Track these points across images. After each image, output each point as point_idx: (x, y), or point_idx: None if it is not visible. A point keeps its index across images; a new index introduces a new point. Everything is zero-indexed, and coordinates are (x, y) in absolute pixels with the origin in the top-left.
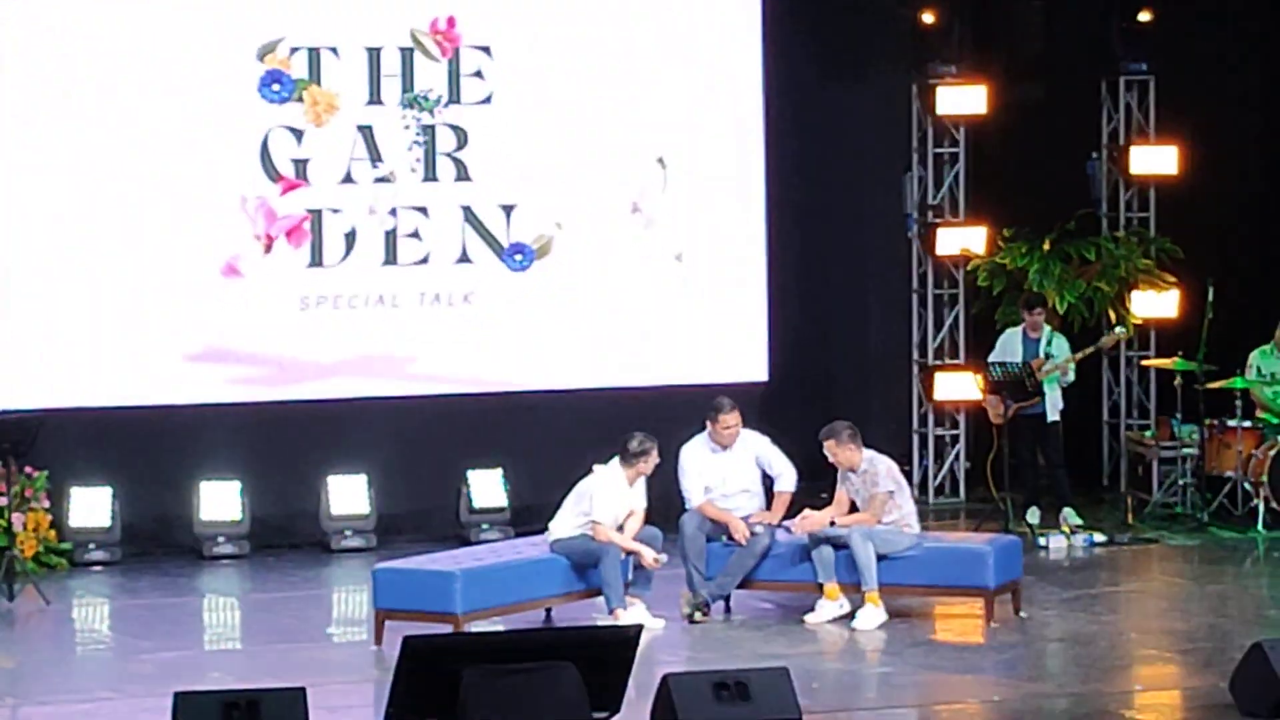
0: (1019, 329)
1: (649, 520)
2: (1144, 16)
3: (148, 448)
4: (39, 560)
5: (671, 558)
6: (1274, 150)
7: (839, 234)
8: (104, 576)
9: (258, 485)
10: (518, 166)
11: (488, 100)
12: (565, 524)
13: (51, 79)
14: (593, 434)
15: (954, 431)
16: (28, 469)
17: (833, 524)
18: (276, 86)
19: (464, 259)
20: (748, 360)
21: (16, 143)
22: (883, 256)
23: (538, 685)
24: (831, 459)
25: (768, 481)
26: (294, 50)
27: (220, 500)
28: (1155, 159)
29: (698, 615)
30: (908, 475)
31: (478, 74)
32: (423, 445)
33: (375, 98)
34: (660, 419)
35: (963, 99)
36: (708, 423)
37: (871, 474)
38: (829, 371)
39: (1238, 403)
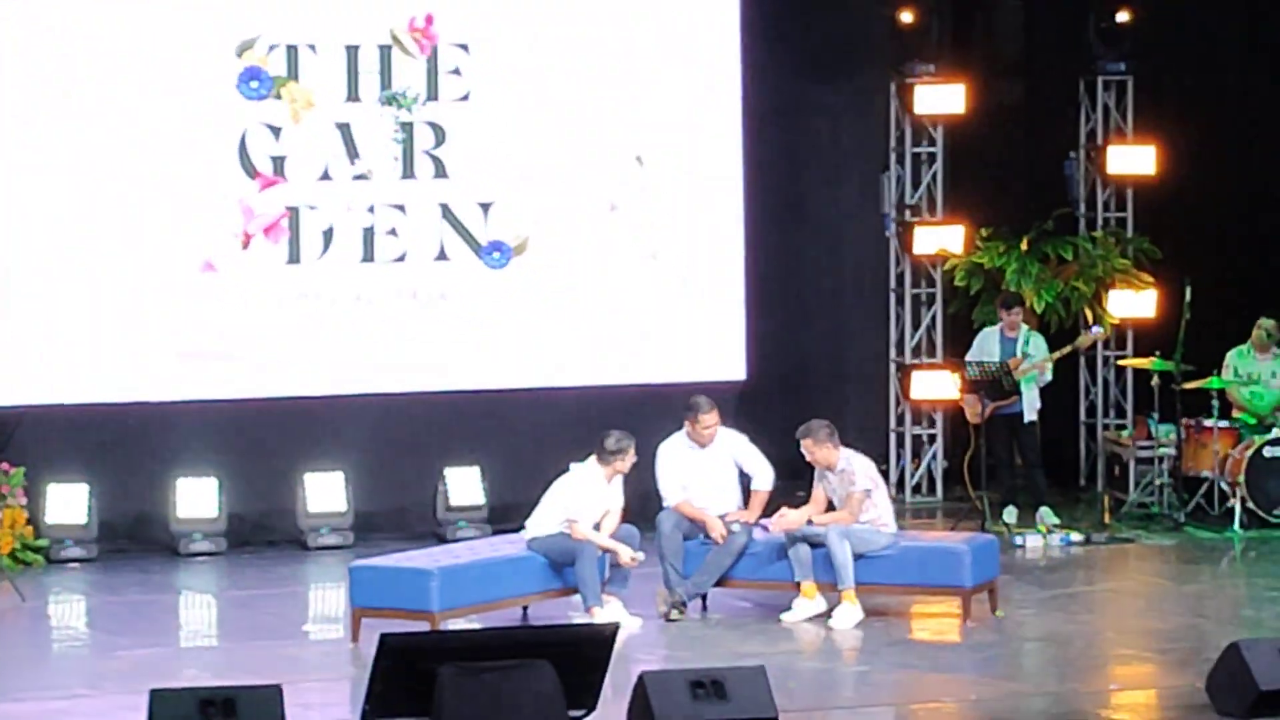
0: (996, 328)
1: (626, 518)
2: (1122, 17)
3: (125, 444)
4: (15, 557)
5: (649, 556)
6: (1251, 150)
7: (817, 233)
8: (80, 573)
9: (235, 482)
10: (496, 164)
11: (466, 98)
12: (542, 522)
13: (15, 76)
14: (570, 432)
15: (931, 431)
16: (4, 465)
17: (810, 523)
18: (255, 83)
19: (442, 256)
20: (725, 359)
21: None
22: (860, 255)
23: (514, 683)
24: (809, 458)
25: (745, 480)
26: (272, 47)
27: (197, 497)
28: (1133, 159)
29: (674, 613)
30: (885, 474)
31: (456, 71)
32: (400, 443)
33: (354, 95)
34: (638, 417)
35: (941, 98)
36: (686, 422)
37: (849, 473)
38: (807, 370)
39: (1214, 403)
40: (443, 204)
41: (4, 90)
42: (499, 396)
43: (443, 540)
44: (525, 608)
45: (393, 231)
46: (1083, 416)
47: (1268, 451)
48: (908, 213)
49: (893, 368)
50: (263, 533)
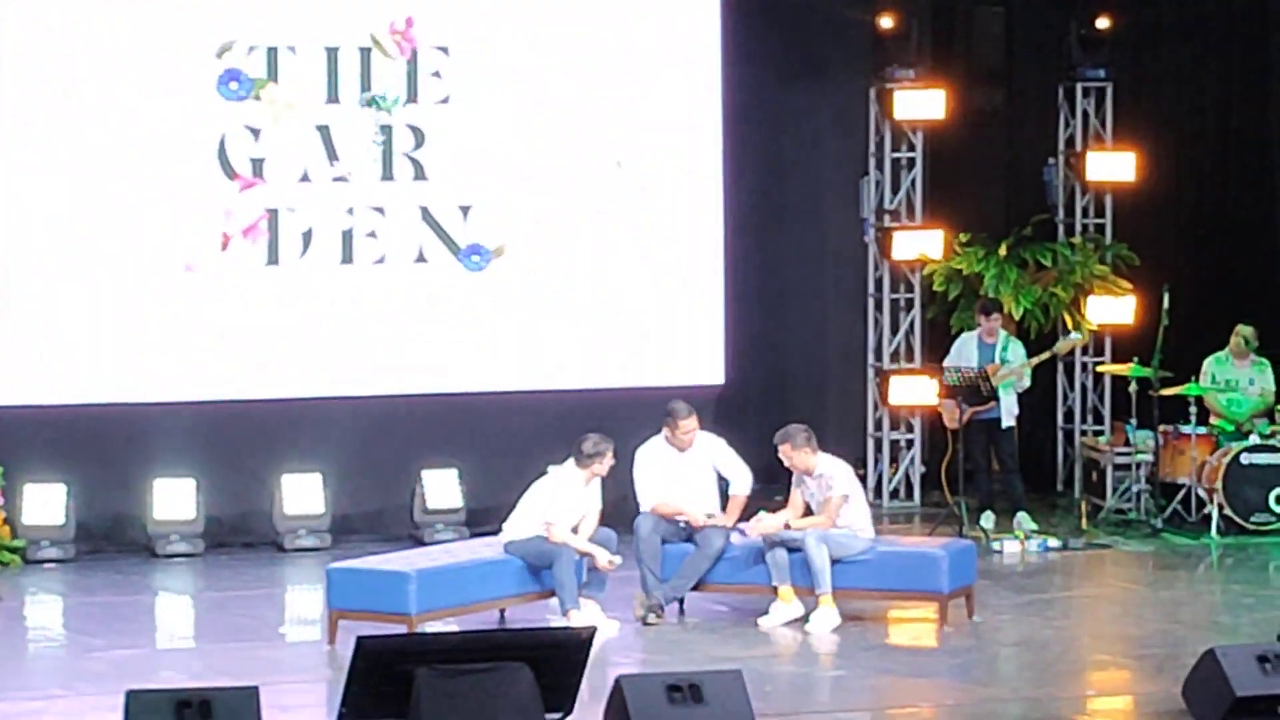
0: (975, 334)
1: (604, 522)
2: (1102, 23)
3: (102, 445)
4: None
5: (626, 560)
6: (1230, 157)
7: (796, 237)
8: (57, 574)
9: (212, 484)
10: (475, 167)
11: (446, 101)
12: (520, 525)
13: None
14: (548, 435)
15: (909, 435)
16: None
17: (787, 527)
18: (234, 85)
19: (421, 259)
20: (704, 363)
21: None
22: (839, 260)
23: (491, 686)
24: (787, 462)
25: (723, 484)
26: (252, 49)
27: (174, 498)
28: (1112, 165)
29: (651, 617)
30: (862, 479)
31: (436, 74)
32: (378, 445)
33: (333, 97)
34: (616, 421)
35: (920, 103)
36: (665, 427)
37: (826, 478)
38: (785, 374)
39: (1192, 409)
40: (422, 207)
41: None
42: (477, 399)
43: (420, 543)
44: (502, 611)
45: (372, 234)
46: (1061, 422)
47: (1245, 458)
48: (887, 218)
49: (871, 372)
50: (240, 534)
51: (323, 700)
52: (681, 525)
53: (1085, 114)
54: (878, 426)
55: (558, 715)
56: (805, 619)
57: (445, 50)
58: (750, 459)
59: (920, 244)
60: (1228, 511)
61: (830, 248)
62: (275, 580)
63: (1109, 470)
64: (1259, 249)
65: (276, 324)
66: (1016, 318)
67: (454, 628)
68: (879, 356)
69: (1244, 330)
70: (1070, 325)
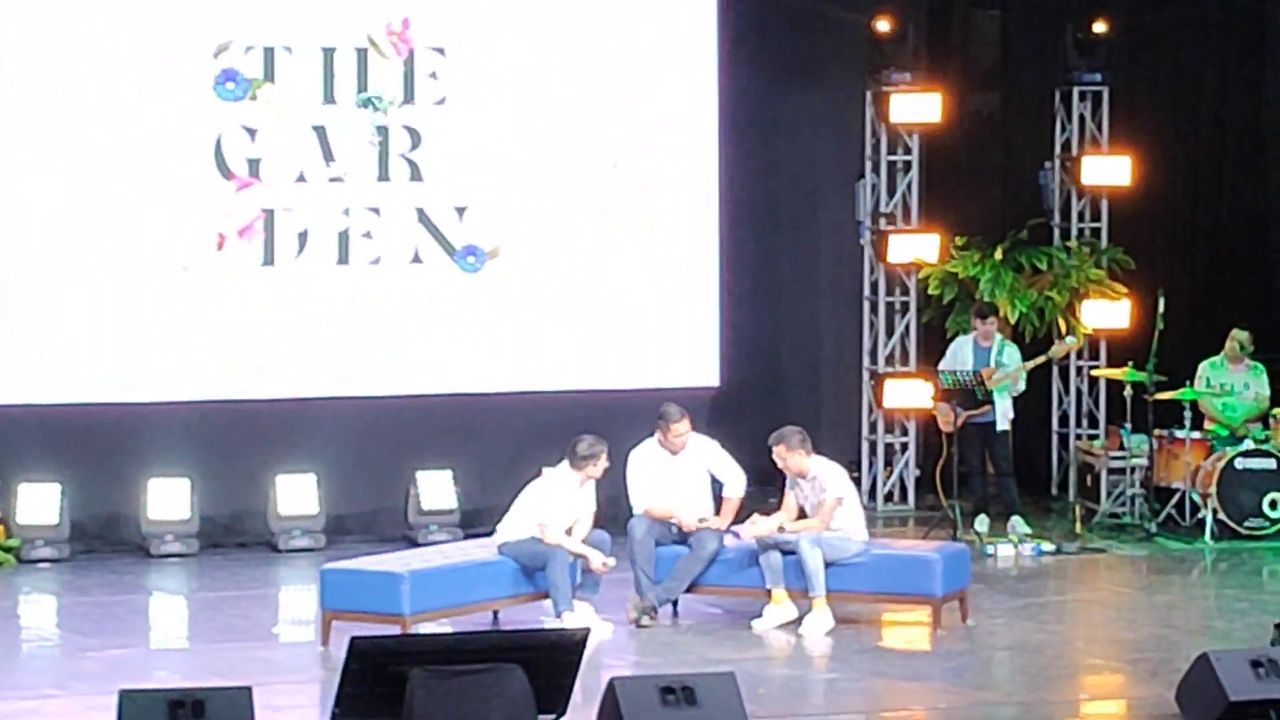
0: (970, 337)
1: (598, 524)
2: (1099, 28)
3: (97, 445)
4: None
5: (620, 561)
6: (1226, 161)
7: (792, 240)
8: (51, 573)
9: (206, 484)
10: (471, 168)
11: (442, 102)
12: (514, 526)
13: None
14: (543, 437)
15: (904, 439)
16: None
17: (781, 530)
18: (231, 85)
19: (416, 260)
20: (699, 365)
21: None
22: (835, 263)
23: (484, 687)
24: (780, 464)
25: (717, 487)
26: (248, 49)
27: (169, 498)
28: (1108, 169)
29: (645, 619)
30: (857, 482)
31: (432, 75)
32: (372, 446)
33: (330, 97)
34: (611, 423)
35: (917, 107)
36: (658, 430)
37: (820, 480)
38: (780, 377)
39: (1187, 414)
40: (418, 208)
41: None
42: (472, 400)
43: (414, 544)
44: (496, 612)
45: (368, 234)
46: (1055, 426)
47: (1239, 463)
48: (883, 221)
49: (866, 375)
50: (234, 534)
51: (316, 701)
52: (673, 529)
53: (1081, 118)
54: (872, 429)
55: (551, 717)
56: (799, 622)
57: (442, 51)
58: (744, 461)
59: (916, 247)
60: (1222, 516)
61: (826, 250)
62: (269, 580)
63: (1103, 474)
64: (1254, 254)
65: (272, 324)
66: (1012, 321)
67: (448, 629)
68: (874, 359)
69: (1239, 335)
70: (1065, 329)
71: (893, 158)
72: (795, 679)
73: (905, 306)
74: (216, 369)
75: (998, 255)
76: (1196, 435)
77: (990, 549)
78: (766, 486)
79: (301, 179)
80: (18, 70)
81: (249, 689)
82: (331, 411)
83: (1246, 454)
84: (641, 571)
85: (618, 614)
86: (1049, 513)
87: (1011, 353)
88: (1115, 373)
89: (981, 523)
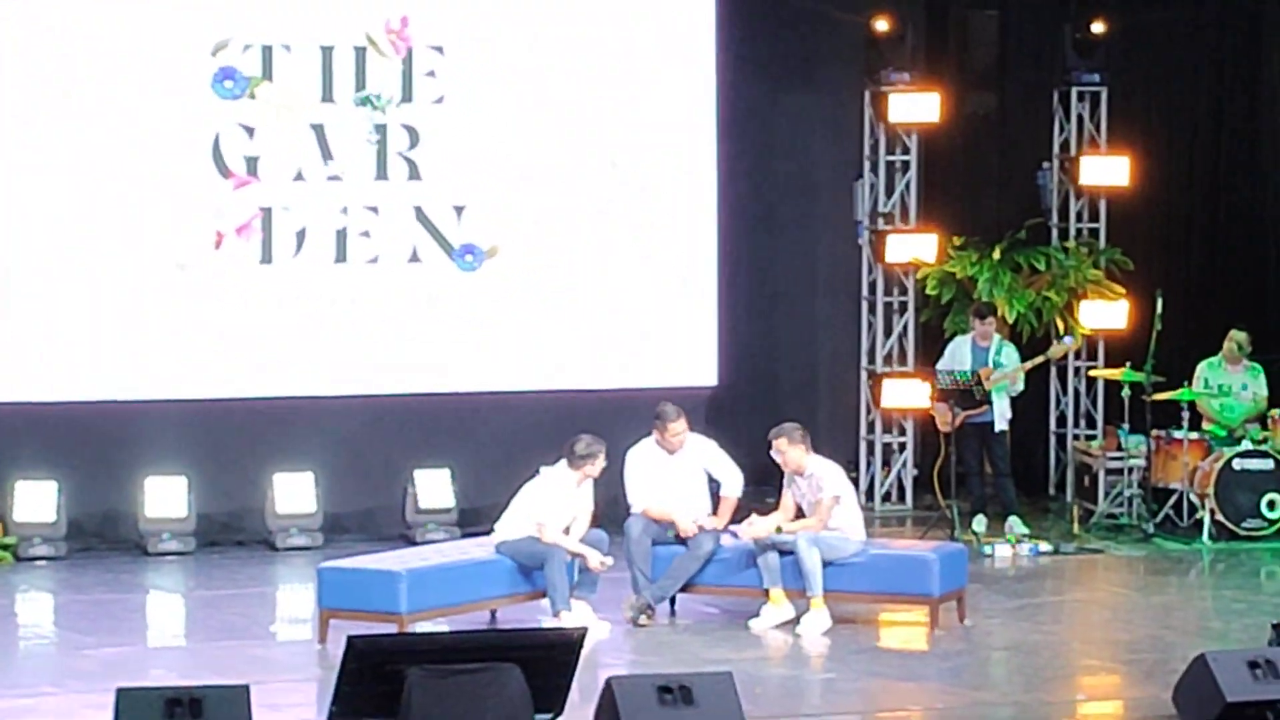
0: (968, 337)
1: (595, 523)
2: (1097, 28)
3: (94, 443)
4: None
5: (617, 561)
6: (1224, 162)
7: (790, 240)
8: (48, 571)
9: (204, 482)
10: (469, 167)
11: (441, 100)
12: (512, 525)
13: None
14: (540, 436)
15: (901, 439)
16: None
17: (779, 529)
18: (229, 83)
19: (414, 259)
20: (697, 365)
21: None
22: (833, 263)
23: (481, 686)
24: (779, 459)
25: (714, 486)
26: (247, 47)
27: (166, 496)
28: (1106, 170)
29: (642, 619)
30: (855, 481)
31: (431, 74)
32: (370, 444)
33: (328, 96)
34: (608, 422)
35: (915, 107)
36: (655, 430)
37: (817, 478)
38: (778, 377)
39: (1185, 414)
40: (416, 206)
41: None
42: (470, 399)
43: (412, 542)
44: (493, 611)
45: (366, 233)
46: (1053, 426)
47: (1237, 464)
48: (881, 221)
49: (864, 375)
50: (232, 533)
51: (313, 699)
52: (670, 533)
53: (1079, 118)
54: (870, 429)
55: (548, 716)
56: (796, 621)
57: (440, 50)
58: (742, 461)
59: (914, 247)
60: (1219, 517)
61: (824, 250)
62: (266, 579)
63: (1101, 475)
64: (1252, 254)
65: (269, 323)
66: (1010, 322)
67: (445, 628)
68: (872, 359)
69: (1237, 335)
70: (1063, 329)
71: (891, 158)
72: (792, 679)
73: (903, 306)
74: (214, 367)
75: (996, 255)
76: (1194, 436)
77: (988, 549)
78: (764, 486)
79: (299, 177)
80: (16, 69)
81: (246, 687)
82: (329, 410)
83: (1244, 455)
84: (639, 571)
85: (615, 613)
86: (1046, 513)
87: (1009, 353)
88: (1113, 373)
89: (979, 523)
